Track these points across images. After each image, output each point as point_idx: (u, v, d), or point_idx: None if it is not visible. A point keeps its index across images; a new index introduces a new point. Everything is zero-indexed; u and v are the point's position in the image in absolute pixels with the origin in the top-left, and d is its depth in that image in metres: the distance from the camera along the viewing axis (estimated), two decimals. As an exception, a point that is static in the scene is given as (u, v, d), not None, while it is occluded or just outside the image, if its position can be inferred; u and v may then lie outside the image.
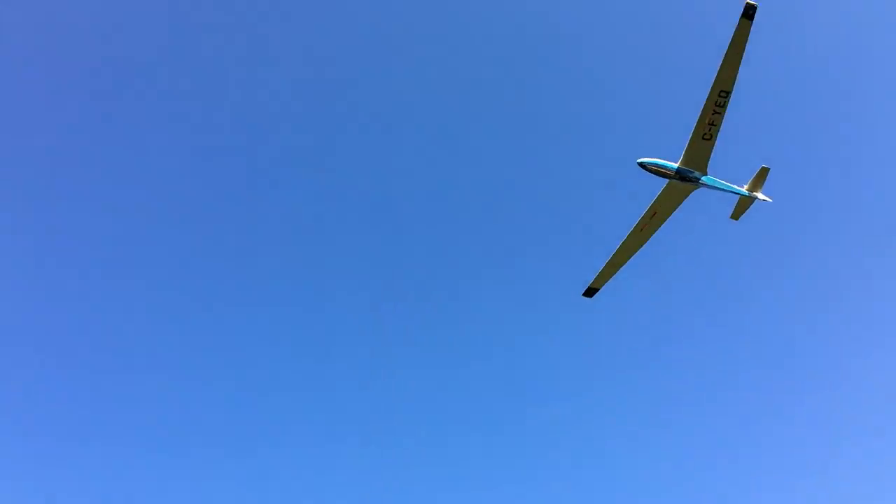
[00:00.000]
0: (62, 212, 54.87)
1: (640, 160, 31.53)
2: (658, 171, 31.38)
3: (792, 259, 54.84)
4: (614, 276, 33.72)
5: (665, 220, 32.05)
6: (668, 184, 31.37)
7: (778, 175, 33.86)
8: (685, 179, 31.42)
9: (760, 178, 32.66)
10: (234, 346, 54.19)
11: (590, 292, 34.17)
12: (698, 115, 29.48)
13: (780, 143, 53.42)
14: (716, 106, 29.15)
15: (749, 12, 27.46)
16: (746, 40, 27.80)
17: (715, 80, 28.69)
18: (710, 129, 29.78)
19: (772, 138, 53.24)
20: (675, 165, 31.25)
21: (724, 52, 28.16)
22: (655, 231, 32.30)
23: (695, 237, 50.87)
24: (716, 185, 31.78)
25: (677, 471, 49.93)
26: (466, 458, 50.71)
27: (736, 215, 33.53)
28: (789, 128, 56.35)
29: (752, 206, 33.26)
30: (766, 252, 54.25)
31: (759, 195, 32.88)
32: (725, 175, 32.63)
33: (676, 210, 32.05)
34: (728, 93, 28.97)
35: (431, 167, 59.26)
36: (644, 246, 32.78)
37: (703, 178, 31.47)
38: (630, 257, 33.00)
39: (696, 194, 32.02)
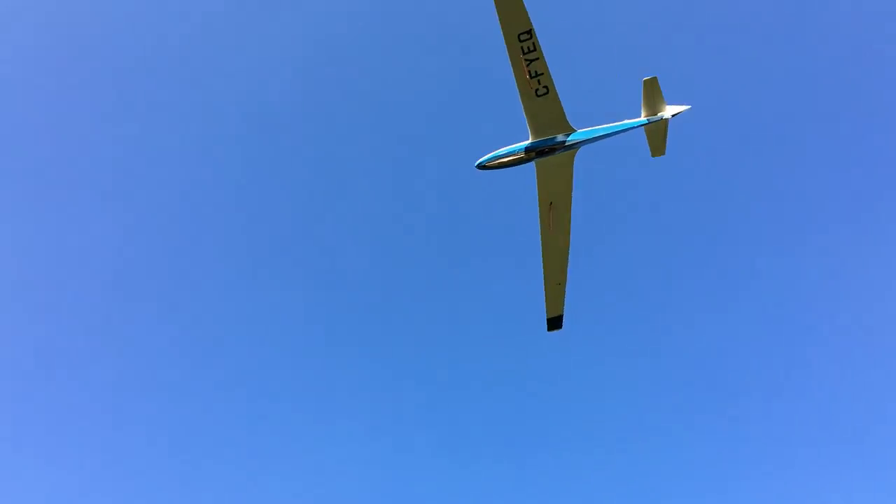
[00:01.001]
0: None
1: (477, 162, 26.67)
2: (508, 162, 26.32)
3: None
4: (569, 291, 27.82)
5: (569, 203, 26.12)
6: (536, 165, 25.98)
7: (682, 83, 27.32)
8: (549, 151, 25.71)
9: (652, 93, 25.27)
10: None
11: (553, 324, 28.25)
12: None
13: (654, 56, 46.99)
14: (524, 53, 23.87)
15: None
16: None
17: (501, 24, 23.70)
18: (539, 82, 24.18)
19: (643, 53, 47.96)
20: (524, 144, 26.02)
21: None
22: (569, 220, 26.39)
23: (626, 199, 47.43)
24: (596, 135, 25.54)
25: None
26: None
27: (656, 151, 26.54)
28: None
29: (669, 129, 25.89)
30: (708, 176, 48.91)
31: (666, 111, 25.60)
32: (613, 118, 26.22)
33: (573, 187, 26.16)
34: (528, 32, 23.71)
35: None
36: (572, 240, 26.92)
37: (573, 137, 25.62)
38: (566, 261, 26.98)
39: (598, 157, 26.98)
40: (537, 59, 23.92)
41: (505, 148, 26.33)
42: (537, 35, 23.67)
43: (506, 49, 23.88)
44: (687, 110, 25.43)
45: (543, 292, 27.56)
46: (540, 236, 26.30)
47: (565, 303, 27.63)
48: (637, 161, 27.36)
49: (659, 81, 25.06)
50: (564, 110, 25.30)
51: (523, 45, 23.78)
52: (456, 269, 51.71)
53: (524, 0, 23.37)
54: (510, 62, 24.06)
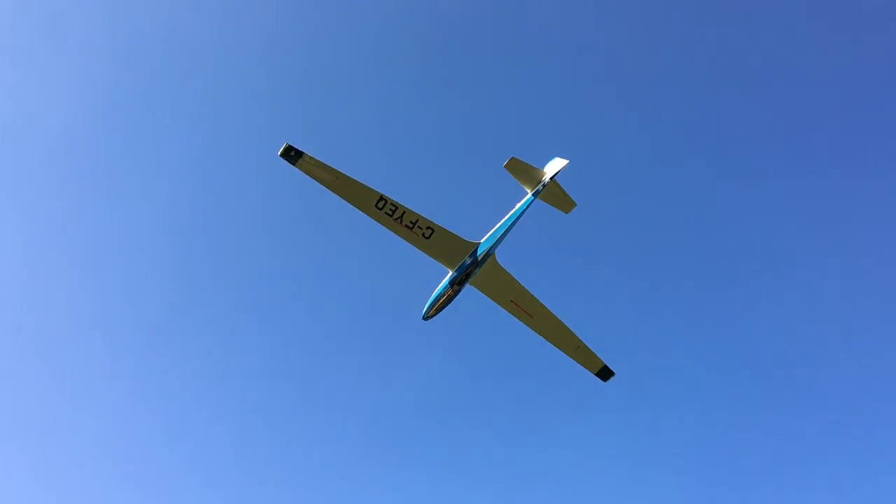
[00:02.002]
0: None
1: (422, 316, 27.07)
2: (445, 301, 26.52)
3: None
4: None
5: (525, 290, 26.51)
6: (472, 286, 26.50)
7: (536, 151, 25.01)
8: (470, 272, 25.74)
9: (519, 171, 24.96)
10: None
11: (603, 375, 28.60)
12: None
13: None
14: (391, 215, 24.56)
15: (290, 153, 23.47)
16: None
17: (356, 207, 24.43)
18: (419, 227, 24.83)
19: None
20: (447, 280, 26.14)
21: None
22: (538, 301, 26.73)
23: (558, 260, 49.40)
24: (500, 234, 25.43)
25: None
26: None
27: (566, 207, 26.16)
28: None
29: (562, 186, 25.52)
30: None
31: (547, 175, 25.00)
32: (505, 205, 25.87)
33: (516, 277, 26.51)
34: (382, 198, 24.19)
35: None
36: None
37: (480, 249, 25.47)
38: (566, 328, 27.30)
39: (526, 238, 26.43)
40: (404, 212, 24.47)
41: (434, 292, 26.56)
42: (388, 195, 24.32)
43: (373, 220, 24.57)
44: (565, 165, 24.82)
45: (574, 361, 28.07)
46: (529, 328, 26.90)
47: (597, 352, 27.97)
48: (560, 216, 26.66)
49: (519, 158, 24.79)
50: (457, 233, 25.39)
51: (384, 210, 24.40)
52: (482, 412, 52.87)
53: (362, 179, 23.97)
54: (384, 226, 24.66)
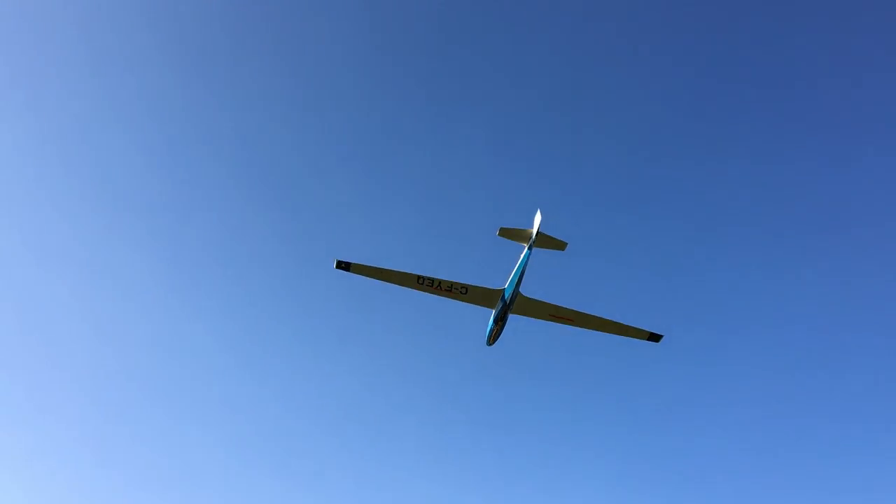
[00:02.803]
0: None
1: (486, 344, 33.69)
2: (497, 332, 33.22)
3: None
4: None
5: (557, 307, 32.66)
6: (503, 325, 32.90)
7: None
8: (507, 311, 32.09)
9: (512, 234, 31.16)
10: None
11: (654, 337, 33.68)
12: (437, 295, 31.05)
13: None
14: (432, 286, 30.80)
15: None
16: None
17: (403, 285, 30.35)
18: (456, 289, 30.98)
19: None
20: (491, 320, 32.69)
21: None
22: (572, 310, 32.61)
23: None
24: (516, 280, 31.43)
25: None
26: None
27: (560, 247, 31.78)
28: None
29: (548, 230, 31.04)
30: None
31: (534, 231, 30.88)
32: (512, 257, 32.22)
33: (545, 299, 32.73)
34: (419, 278, 30.43)
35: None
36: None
37: (506, 294, 31.66)
38: (604, 319, 32.84)
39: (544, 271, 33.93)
40: (440, 282, 30.52)
41: (487, 328, 33.20)
42: (422, 274, 30.45)
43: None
44: (540, 215, 30.65)
45: (629, 338, 33.63)
46: (580, 327, 32.42)
47: (640, 326, 33.51)
48: (552, 268, 37.56)
49: (505, 226, 30.46)
50: (485, 286, 31.62)
51: (425, 284, 30.54)
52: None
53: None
54: (431, 294, 30.80)
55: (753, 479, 63.56)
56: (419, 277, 30.44)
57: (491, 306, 31.93)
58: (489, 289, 31.50)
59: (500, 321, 31.94)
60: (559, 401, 69.13)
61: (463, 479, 66.29)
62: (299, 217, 75.82)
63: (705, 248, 71.86)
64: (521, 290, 31.56)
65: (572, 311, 32.17)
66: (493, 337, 33.15)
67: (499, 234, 30.47)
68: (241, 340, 70.68)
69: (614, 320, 32.50)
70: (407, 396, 71.41)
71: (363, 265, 30.14)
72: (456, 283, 30.81)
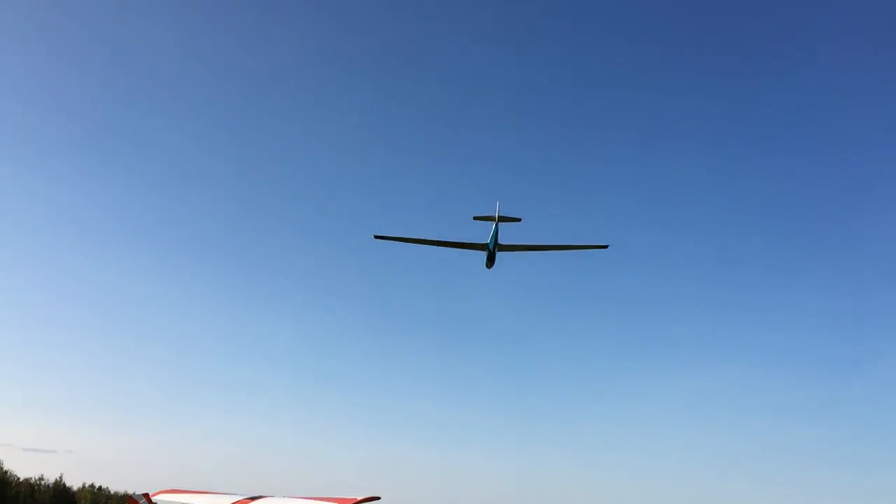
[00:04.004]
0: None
1: (486, 267, 50.16)
2: (489, 264, 49.94)
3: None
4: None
5: (519, 246, 49.18)
6: (493, 261, 49.92)
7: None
8: (493, 255, 48.71)
9: (484, 217, 46.69)
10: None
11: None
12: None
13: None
14: (443, 244, 49.74)
15: None
16: None
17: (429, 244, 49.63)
18: (459, 245, 49.83)
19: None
20: (485, 257, 49.49)
21: None
22: (525, 247, 49.37)
23: None
24: (492, 238, 47.29)
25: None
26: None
27: (517, 220, 48.00)
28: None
29: (507, 216, 47.11)
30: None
31: (496, 214, 47.18)
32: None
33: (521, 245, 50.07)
34: (438, 241, 49.85)
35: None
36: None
37: (489, 245, 47.76)
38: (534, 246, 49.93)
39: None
40: (453, 243, 49.94)
41: (484, 261, 49.66)
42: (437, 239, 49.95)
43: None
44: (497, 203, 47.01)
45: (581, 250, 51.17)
46: (546, 251, 50.95)
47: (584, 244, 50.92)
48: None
49: (478, 213, 47.65)
50: (477, 242, 48.57)
51: (441, 243, 49.97)
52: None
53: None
54: (449, 247, 49.65)
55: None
56: (438, 242, 48.75)
57: (483, 250, 48.40)
58: (480, 244, 48.01)
59: (490, 258, 48.34)
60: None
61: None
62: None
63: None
64: (499, 241, 47.51)
65: (538, 245, 49.30)
66: (488, 264, 49.32)
67: (474, 218, 46.91)
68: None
69: (570, 244, 50.35)
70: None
71: (397, 237, 49.03)
72: (463, 242, 48.24)
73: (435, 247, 47.91)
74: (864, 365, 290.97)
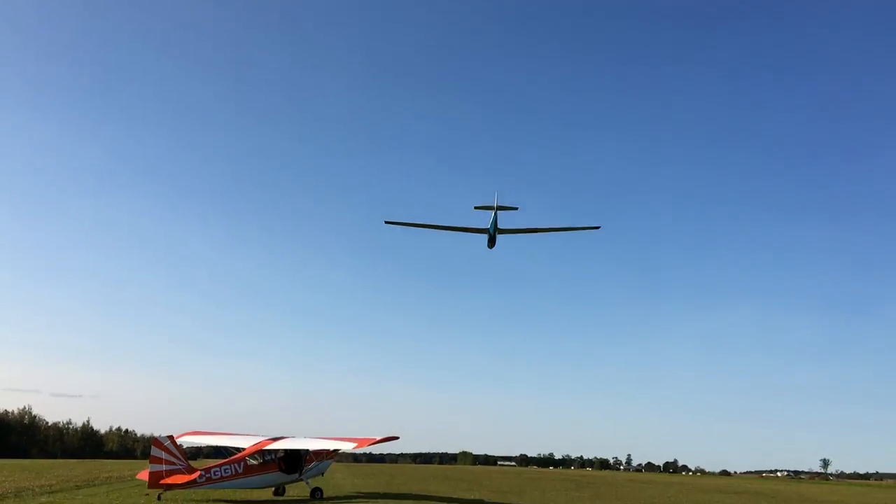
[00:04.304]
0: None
1: (488, 247, 51.56)
2: (491, 245, 51.29)
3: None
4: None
5: (514, 231, 51.07)
6: (493, 243, 50.97)
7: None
8: (494, 237, 50.28)
9: (484, 207, 48.81)
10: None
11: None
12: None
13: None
14: (445, 228, 51.87)
15: None
16: None
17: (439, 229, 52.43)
18: (463, 230, 50.94)
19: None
20: (487, 239, 50.79)
21: None
22: (521, 230, 51.23)
23: None
24: (492, 224, 48.81)
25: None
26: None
27: (514, 209, 49.85)
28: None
29: (505, 206, 48.83)
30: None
31: (495, 204, 48.55)
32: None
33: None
34: (443, 226, 51.97)
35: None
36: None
37: (490, 229, 49.26)
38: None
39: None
40: (455, 227, 51.58)
41: (486, 242, 50.99)
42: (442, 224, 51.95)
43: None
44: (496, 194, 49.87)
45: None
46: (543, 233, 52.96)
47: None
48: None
49: (479, 204, 49.15)
50: (478, 227, 50.19)
51: (443, 228, 52.30)
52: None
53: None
54: (454, 231, 51.69)
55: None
56: (443, 226, 51.51)
57: (485, 233, 50.27)
58: (481, 229, 49.91)
59: (491, 240, 50.26)
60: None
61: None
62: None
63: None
64: (499, 226, 49.35)
65: (534, 229, 51.17)
66: (490, 245, 51.10)
67: (475, 208, 49.06)
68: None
69: (564, 226, 53.89)
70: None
71: (407, 222, 51.85)
72: (466, 227, 50.24)
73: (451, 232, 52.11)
74: (874, 304, 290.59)
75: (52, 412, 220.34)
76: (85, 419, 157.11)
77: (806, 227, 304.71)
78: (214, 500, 27.86)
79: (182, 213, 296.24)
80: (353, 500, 30.39)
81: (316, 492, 31.62)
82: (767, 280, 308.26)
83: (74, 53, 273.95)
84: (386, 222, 51.17)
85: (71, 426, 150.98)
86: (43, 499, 27.00)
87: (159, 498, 27.54)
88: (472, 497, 36.40)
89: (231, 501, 27.75)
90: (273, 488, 32.51)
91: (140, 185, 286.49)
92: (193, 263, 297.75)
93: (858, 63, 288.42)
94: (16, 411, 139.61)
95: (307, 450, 32.18)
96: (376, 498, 32.17)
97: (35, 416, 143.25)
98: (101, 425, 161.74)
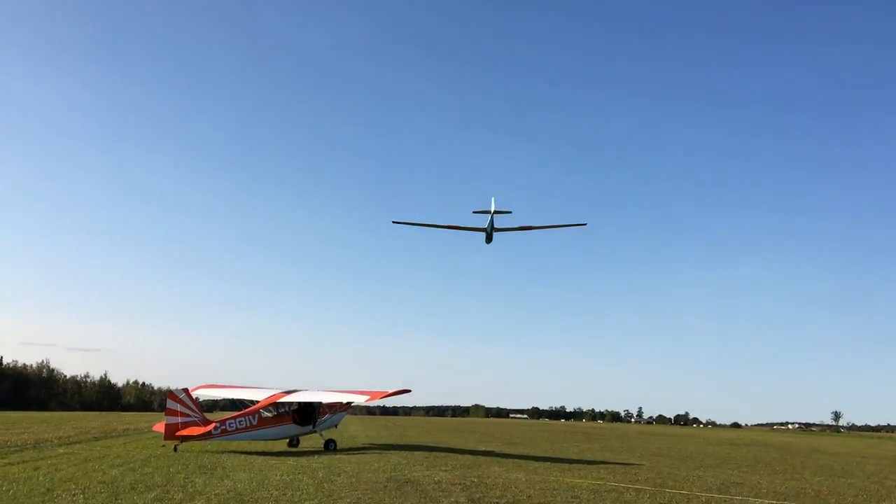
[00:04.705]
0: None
1: (486, 242, 54.64)
2: (489, 241, 54.39)
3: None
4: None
5: (513, 228, 54.49)
6: (491, 239, 54.07)
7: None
8: (491, 235, 53.55)
9: (482, 209, 52.84)
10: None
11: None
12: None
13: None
14: (451, 228, 54.78)
15: None
16: None
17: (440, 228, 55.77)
18: (463, 229, 54.20)
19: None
20: (485, 236, 53.96)
21: None
22: (522, 228, 54.51)
23: None
24: (489, 224, 52.28)
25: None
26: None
27: (508, 212, 54.14)
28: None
29: (500, 210, 52.59)
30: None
31: (492, 207, 52.15)
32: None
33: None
34: (447, 226, 54.78)
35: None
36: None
37: (487, 228, 52.55)
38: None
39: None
40: (459, 227, 54.04)
41: (484, 239, 54.09)
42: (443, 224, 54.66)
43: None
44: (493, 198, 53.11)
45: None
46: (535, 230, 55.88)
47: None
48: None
49: (476, 208, 53.19)
50: (477, 227, 53.37)
51: (449, 227, 54.66)
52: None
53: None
54: (457, 230, 54.60)
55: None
56: (447, 226, 54.51)
57: (483, 231, 53.46)
58: (480, 228, 53.10)
59: (489, 237, 53.61)
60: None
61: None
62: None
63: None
64: (495, 226, 53.02)
65: (527, 227, 54.50)
66: (487, 241, 54.50)
67: (473, 212, 53.18)
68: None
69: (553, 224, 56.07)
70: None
71: (413, 222, 55.88)
72: (466, 227, 53.51)
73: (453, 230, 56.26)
74: (888, 255, 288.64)
75: (69, 366, 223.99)
76: (102, 373, 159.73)
77: (821, 183, 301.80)
78: (230, 452, 28.19)
79: (194, 167, 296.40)
80: (366, 452, 30.69)
81: (329, 443, 31.96)
82: (782, 232, 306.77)
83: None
84: (394, 222, 56.32)
85: (89, 379, 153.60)
86: (61, 450, 27.41)
87: (175, 449, 27.91)
88: (484, 449, 36.72)
89: (246, 453, 28.08)
90: (287, 440, 32.90)
91: (152, 139, 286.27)
92: (207, 217, 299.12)
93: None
94: (34, 365, 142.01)
95: (320, 402, 32.47)
96: (389, 450, 32.46)
97: (53, 370, 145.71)
98: (119, 379, 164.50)
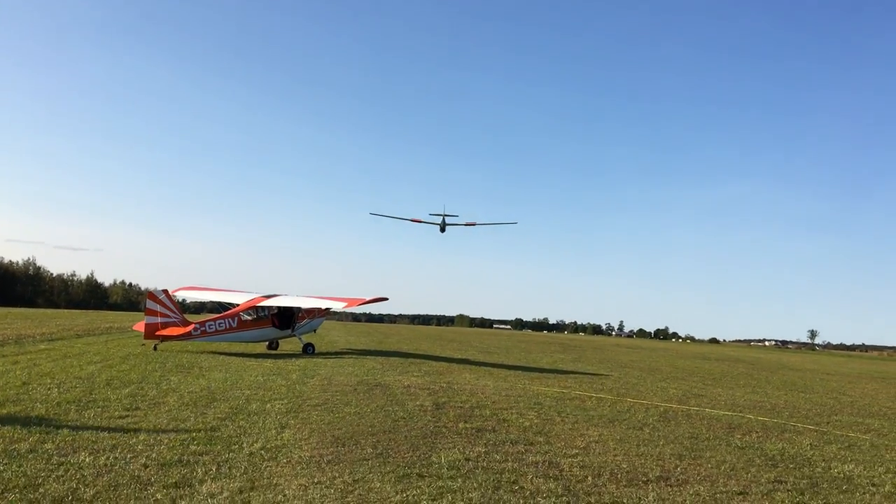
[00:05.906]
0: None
1: (440, 231, 69.96)
2: (442, 231, 69.94)
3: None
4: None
5: (466, 224, 70.69)
6: (444, 230, 69.82)
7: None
8: (444, 227, 68.96)
9: (436, 214, 69.42)
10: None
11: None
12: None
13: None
14: (416, 221, 70.98)
15: None
16: None
17: (409, 221, 72.19)
18: (423, 222, 70.88)
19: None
20: (439, 228, 70.04)
21: None
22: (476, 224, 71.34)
23: None
24: (442, 220, 68.96)
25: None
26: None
27: (455, 216, 70.13)
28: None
29: (449, 213, 69.07)
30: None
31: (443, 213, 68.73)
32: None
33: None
34: (416, 220, 71.07)
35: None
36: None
37: (441, 223, 69.02)
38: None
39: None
40: (423, 221, 71.20)
41: (438, 230, 69.84)
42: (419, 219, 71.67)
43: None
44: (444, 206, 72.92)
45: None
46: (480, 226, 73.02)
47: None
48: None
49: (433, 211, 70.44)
50: (433, 221, 70.11)
51: (418, 220, 71.21)
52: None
53: None
54: (422, 223, 71.14)
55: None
56: (416, 220, 70.12)
57: (437, 224, 68.99)
58: (436, 222, 68.98)
59: (442, 230, 68.45)
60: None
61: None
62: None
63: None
64: (447, 223, 68.91)
65: (467, 222, 70.13)
66: (441, 231, 69.02)
67: (430, 215, 69.41)
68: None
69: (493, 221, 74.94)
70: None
71: (387, 215, 71.88)
72: (426, 221, 69.69)
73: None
74: (870, 179, 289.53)
75: (55, 264, 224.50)
76: (89, 272, 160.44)
77: (810, 107, 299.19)
78: (208, 353, 28.81)
79: (183, 71, 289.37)
80: (343, 357, 31.44)
81: (308, 347, 32.65)
82: (765, 154, 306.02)
83: None
84: (371, 214, 69.80)
85: (75, 278, 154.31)
86: (42, 346, 27.91)
87: (155, 348, 28.48)
88: (460, 356, 37.64)
89: (225, 353, 28.71)
90: (266, 343, 33.59)
91: (145, 40, 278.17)
92: (195, 120, 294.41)
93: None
94: (20, 262, 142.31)
95: (299, 307, 33.00)
96: (366, 355, 33.24)
97: (40, 268, 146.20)
98: (106, 278, 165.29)
